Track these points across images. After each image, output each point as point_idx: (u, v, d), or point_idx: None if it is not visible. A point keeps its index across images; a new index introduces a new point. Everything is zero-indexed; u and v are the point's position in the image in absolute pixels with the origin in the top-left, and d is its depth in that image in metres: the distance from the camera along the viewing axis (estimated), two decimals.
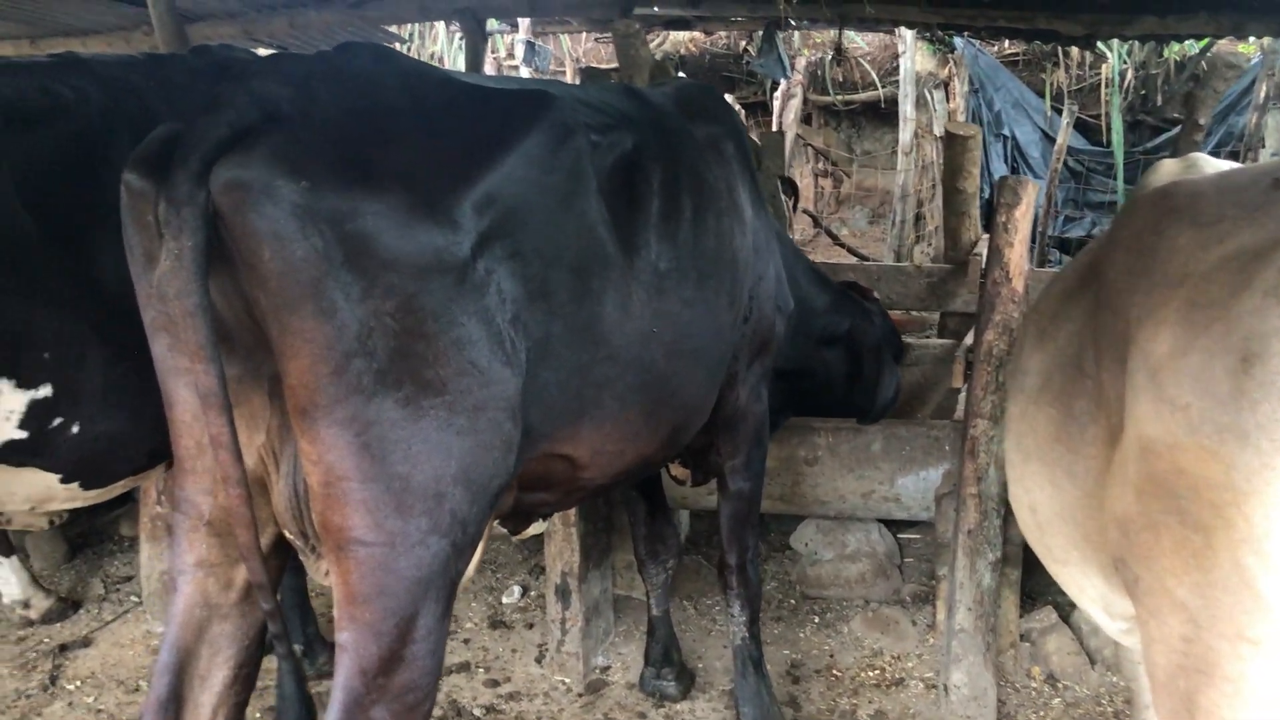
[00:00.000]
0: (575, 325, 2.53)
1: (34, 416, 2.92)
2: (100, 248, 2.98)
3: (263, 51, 6.44)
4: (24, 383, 2.88)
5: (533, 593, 4.94)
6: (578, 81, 12.95)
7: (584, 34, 13.68)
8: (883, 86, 14.12)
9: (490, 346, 2.26)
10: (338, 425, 2.13)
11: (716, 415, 3.39)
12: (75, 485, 3.16)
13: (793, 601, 4.88)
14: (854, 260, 9.93)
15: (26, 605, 4.68)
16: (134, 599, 4.91)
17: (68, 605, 4.80)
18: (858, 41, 14.20)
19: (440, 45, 14.22)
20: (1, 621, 4.73)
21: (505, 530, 3.29)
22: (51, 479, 3.09)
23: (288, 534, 2.43)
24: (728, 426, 3.49)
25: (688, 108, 3.34)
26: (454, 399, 2.21)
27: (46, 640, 4.58)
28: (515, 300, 2.33)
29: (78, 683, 4.25)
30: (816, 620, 4.73)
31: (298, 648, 4.12)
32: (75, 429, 3.02)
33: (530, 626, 4.65)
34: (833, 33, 13.26)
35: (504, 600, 4.88)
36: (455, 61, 13.52)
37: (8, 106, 2.86)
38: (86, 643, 4.56)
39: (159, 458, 3.34)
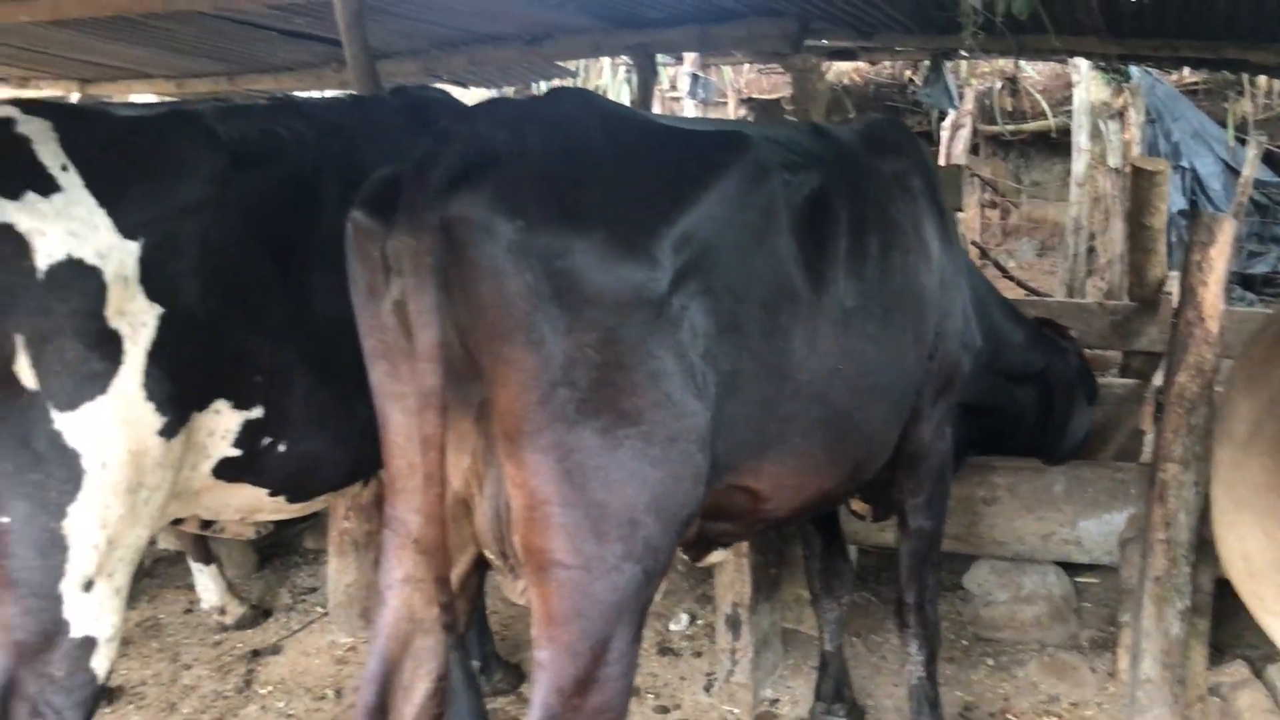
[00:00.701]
0: (763, 360, 2.57)
1: (247, 435, 3.11)
2: (310, 280, 3.16)
3: (446, 87, 6.71)
4: (240, 404, 3.07)
5: (700, 621, 4.97)
6: (741, 112, 13.03)
7: (746, 65, 13.73)
8: (1054, 116, 13.76)
9: (683, 379, 2.32)
10: (542, 451, 2.23)
11: (899, 452, 3.37)
12: (282, 499, 3.34)
13: (965, 643, 4.79)
14: (1024, 294, 9.69)
15: (223, 611, 4.95)
16: (319, 609, 5.14)
17: (259, 613, 5.06)
18: (1029, 71, 13.89)
19: (604, 78, 14.49)
20: (200, 626, 5.02)
21: (686, 558, 3.34)
22: (261, 493, 3.27)
23: (488, 554, 2.53)
24: (910, 463, 3.47)
25: (875, 144, 3.36)
26: (649, 429, 2.28)
27: (240, 645, 4.84)
28: (707, 335, 2.38)
29: (269, 687, 4.48)
30: (990, 663, 4.62)
31: (475, 664, 4.24)
32: (283, 447, 3.20)
33: (698, 655, 4.69)
34: (1001, 62, 13.02)
35: (672, 627, 4.93)
36: (619, 94, 13.76)
37: (235, 147, 3.06)
38: (276, 650, 4.80)
39: (357, 475, 3.52)
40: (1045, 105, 13.92)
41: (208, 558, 4.91)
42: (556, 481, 2.24)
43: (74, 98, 9.24)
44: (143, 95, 9.22)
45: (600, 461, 2.24)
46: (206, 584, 4.93)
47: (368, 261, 2.31)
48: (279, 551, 5.75)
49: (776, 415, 2.67)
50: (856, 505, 3.88)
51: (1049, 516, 4.51)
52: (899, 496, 3.57)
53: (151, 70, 8.76)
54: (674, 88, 14.17)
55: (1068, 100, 12.91)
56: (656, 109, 10.58)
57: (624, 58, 11.43)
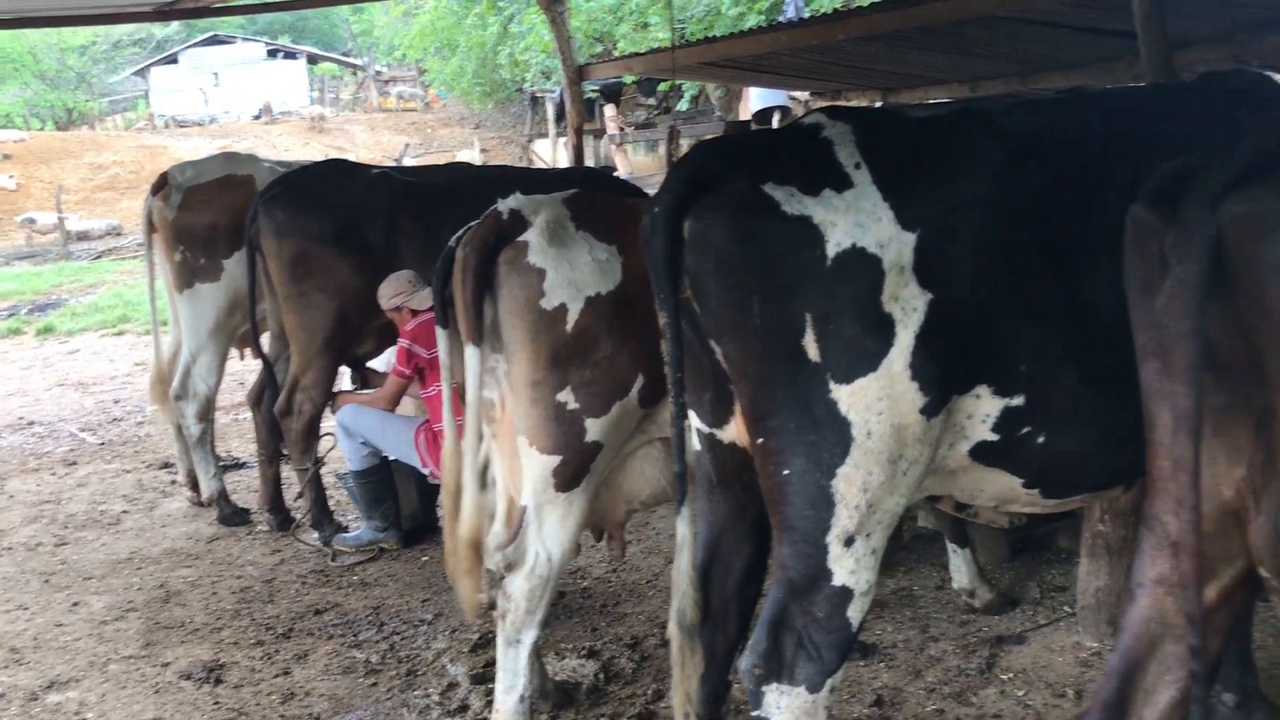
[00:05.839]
0: None
1: (1006, 422, 3.15)
2: (1085, 274, 3.08)
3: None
4: (1001, 391, 3.12)
5: None
6: None
7: None
8: None
9: None
10: None
11: None
12: (1036, 492, 3.33)
13: None
14: None
15: (972, 594, 5.12)
16: (1066, 609, 5.06)
17: (1007, 602, 5.14)
18: None
19: None
20: (949, 604, 5.23)
21: None
22: (1015, 482, 3.30)
23: (1262, 571, 2.32)
24: None
25: None
26: None
27: (985, 629, 4.96)
28: None
29: (1010, 674, 4.54)
30: None
31: (1228, 697, 3.90)
32: (1042, 439, 3.18)
33: None
34: None
35: None
36: None
37: (1018, 141, 3.11)
38: (1020, 640, 4.83)
39: (1118, 479, 3.39)
40: None
41: (964, 541, 5.10)
42: None
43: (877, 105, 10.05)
44: (937, 99, 9.72)
45: None
46: (959, 565, 5.12)
47: (1146, 257, 2.26)
48: (1031, 546, 5.75)
49: None
50: None
51: None
52: None
53: (947, 75, 9.19)
54: None
55: None
56: None
57: None
